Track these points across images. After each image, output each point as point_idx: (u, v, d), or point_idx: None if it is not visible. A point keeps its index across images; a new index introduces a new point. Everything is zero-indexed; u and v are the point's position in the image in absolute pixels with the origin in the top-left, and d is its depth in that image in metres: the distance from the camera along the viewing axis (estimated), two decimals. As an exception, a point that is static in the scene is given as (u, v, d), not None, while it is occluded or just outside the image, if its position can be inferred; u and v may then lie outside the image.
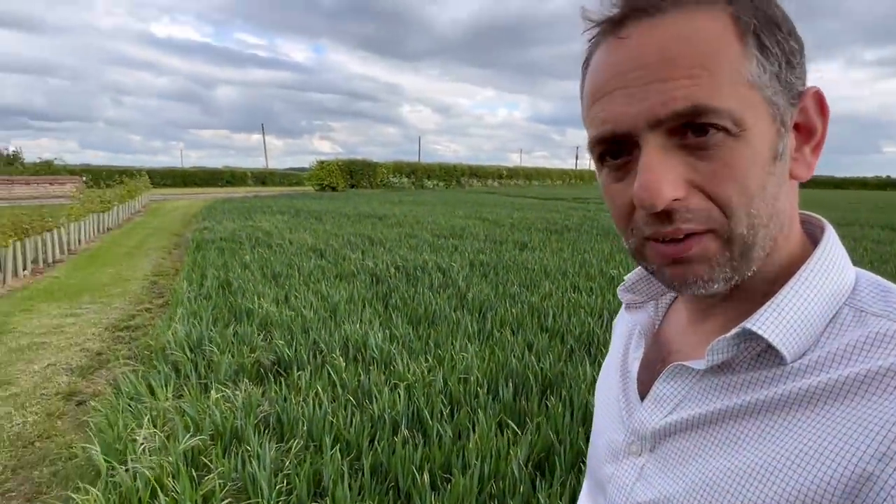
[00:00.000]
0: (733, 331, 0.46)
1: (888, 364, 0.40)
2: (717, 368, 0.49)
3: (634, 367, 0.61)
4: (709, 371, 0.49)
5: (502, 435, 2.78)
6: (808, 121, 0.47)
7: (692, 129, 0.42)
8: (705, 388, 0.50)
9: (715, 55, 0.42)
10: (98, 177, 25.87)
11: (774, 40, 0.43)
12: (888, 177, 78.17)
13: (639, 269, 0.63)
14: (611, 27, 0.45)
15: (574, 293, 5.73)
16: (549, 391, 3.31)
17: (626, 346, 0.66)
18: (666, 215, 0.44)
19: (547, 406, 3.06)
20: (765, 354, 0.47)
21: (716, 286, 0.46)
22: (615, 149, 0.46)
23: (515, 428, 2.85)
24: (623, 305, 0.66)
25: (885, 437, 0.38)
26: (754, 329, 0.45)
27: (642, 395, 0.57)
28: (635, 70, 0.43)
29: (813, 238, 0.51)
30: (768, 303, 0.46)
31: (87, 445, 2.74)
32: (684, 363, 0.51)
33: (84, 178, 26.80)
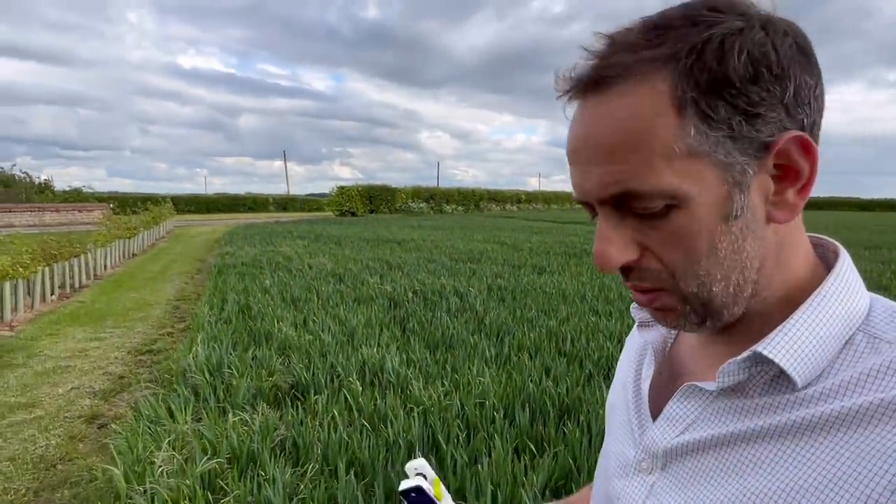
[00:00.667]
0: (743, 354, 0.46)
1: None
2: (731, 391, 0.49)
3: (646, 385, 0.62)
4: (722, 393, 0.50)
5: (519, 461, 2.74)
6: (790, 163, 0.45)
7: None
8: (718, 410, 0.50)
9: (647, 136, 0.42)
10: (124, 204, 26.53)
11: (722, 102, 0.42)
12: (917, 198, 76.40)
13: None
14: (570, 98, 0.48)
15: (593, 317, 5.68)
16: (566, 416, 3.27)
17: (638, 364, 0.67)
18: (625, 271, 0.49)
19: (564, 432, 3.03)
20: (778, 379, 0.47)
21: (689, 328, 0.50)
22: (590, 208, 0.50)
23: (534, 450, 2.82)
24: (636, 324, 0.67)
25: None
26: (765, 353, 0.45)
27: (654, 414, 0.57)
28: (582, 150, 0.47)
29: (826, 262, 0.51)
30: (780, 327, 0.46)
31: (108, 467, 2.78)
32: (697, 384, 0.52)
33: (111, 205, 27.51)
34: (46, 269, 7.66)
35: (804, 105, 0.44)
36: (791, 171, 0.45)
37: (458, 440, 2.94)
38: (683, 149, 0.42)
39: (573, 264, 9.76)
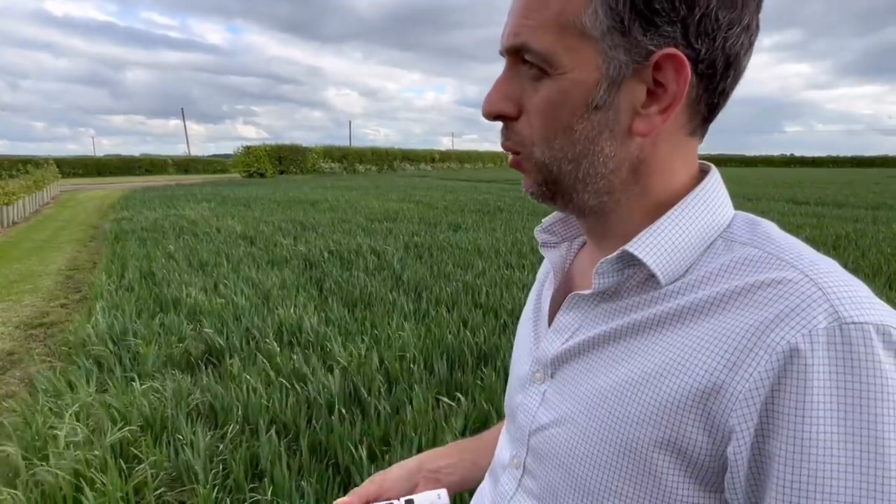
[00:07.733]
0: (614, 253, 0.51)
1: (743, 283, 0.45)
2: (609, 296, 0.54)
3: (546, 304, 0.66)
4: (602, 299, 0.55)
5: (439, 407, 2.84)
6: (665, 82, 0.47)
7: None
8: (598, 315, 0.55)
9: (554, 1, 0.47)
10: (-1, 167, 23.82)
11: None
12: (791, 154, 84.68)
13: (556, 213, 0.67)
14: None
15: (507, 270, 5.86)
16: (483, 363, 3.40)
17: (541, 288, 0.71)
18: (505, 130, 0.54)
19: (482, 377, 3.15)
20: (649, 281, 0.52)
21: (544, 200, 0.55)
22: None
23: (458, 397, 2.92)
24: (539, 245, 0.70)
25: (735, 347, 0.43)
26: (630, 250, 0.50)
27: None
28: (512, 3, 0.51)
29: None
30: (646, 229, 0.51)
31: (3, 445, 2.58)
32: (579, 292, 0.57)
33: (-18, 169, 24.62)
34: None
35: (706, 37, 0.45)
36: (663, 89, 0.47)
37: (380, 392, 2.99)
38: (578, 25, 0.46)
39: (487, 221, 9.96)
